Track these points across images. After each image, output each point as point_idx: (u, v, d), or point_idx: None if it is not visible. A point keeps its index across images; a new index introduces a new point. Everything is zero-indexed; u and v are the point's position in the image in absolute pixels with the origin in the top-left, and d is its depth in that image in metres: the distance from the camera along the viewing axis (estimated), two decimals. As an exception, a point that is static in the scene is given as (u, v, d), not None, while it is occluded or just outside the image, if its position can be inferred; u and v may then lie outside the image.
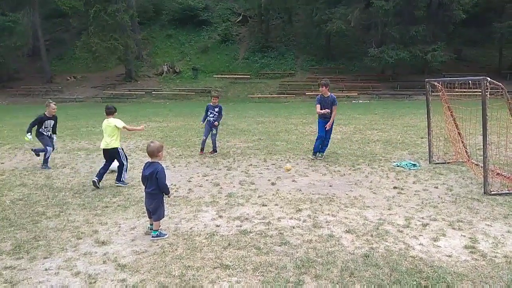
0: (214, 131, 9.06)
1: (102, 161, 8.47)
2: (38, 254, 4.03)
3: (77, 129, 14.02)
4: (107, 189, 6.40)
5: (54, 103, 8.30)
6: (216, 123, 9.01)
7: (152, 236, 4.37)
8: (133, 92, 30.52)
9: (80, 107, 25.50)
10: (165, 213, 5.08)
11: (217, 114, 9.03)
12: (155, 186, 4.33)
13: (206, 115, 9.09)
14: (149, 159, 4.53)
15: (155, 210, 4.38)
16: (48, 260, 3.89)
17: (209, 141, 9.15)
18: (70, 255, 4.00)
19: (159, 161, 4.49)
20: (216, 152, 9.17)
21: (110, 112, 6.61)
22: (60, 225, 4.82)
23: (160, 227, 4.45)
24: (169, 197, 4.63)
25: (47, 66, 34.02)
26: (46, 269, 3.71)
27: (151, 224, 4.48)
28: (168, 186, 4.51)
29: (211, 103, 9.06)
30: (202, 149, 9.21)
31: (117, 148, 6.61)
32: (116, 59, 31.46)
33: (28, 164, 8.48)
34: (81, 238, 4.41)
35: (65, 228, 4.73)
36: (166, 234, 4.44)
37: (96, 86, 32.12)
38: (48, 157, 8.11)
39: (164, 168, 4.56)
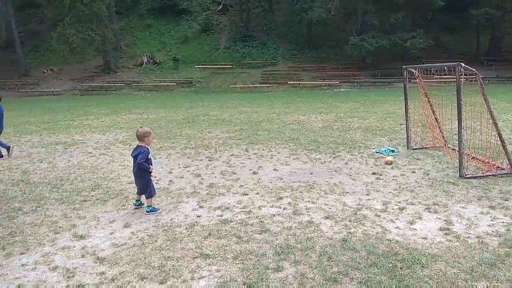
0: None
1: (80, 155, 8.42)
2: (15, 250, 3.95)
3: (55, 123, 13.70)
4: (85, 183, 6.30)
5: None
6: None
7: (146, 211, 4.75)
8: (112, 84, 29.92)
9: (58, 100, 24.90)
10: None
11: None
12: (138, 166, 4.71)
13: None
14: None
15: (144, 189, 4.76)
16: (25, 256, 3.82)
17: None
18: (47, 250, 3.94)
19: (146, 145, 4.78)
20: (2, 157, 8.35)
21: None
22: (37, 220, 4.74)
23: (153, 203, 4.88)
24: (151, 172, 4.81)
25: (22, 59, 32.97)
26: (22, 265, 3.65)
27: (137, 200, 4.88)
28: (148, 165, 4.75)
29: None
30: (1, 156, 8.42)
31: None
32: (94, 50, 30.80)
33: (3, 159, 8.27)
34: (59, 233, 4.34)
35: (42, 223, 4.65)
36: (159, 209, 4.81)
37: (74, 79, 31.36)
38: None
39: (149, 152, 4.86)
